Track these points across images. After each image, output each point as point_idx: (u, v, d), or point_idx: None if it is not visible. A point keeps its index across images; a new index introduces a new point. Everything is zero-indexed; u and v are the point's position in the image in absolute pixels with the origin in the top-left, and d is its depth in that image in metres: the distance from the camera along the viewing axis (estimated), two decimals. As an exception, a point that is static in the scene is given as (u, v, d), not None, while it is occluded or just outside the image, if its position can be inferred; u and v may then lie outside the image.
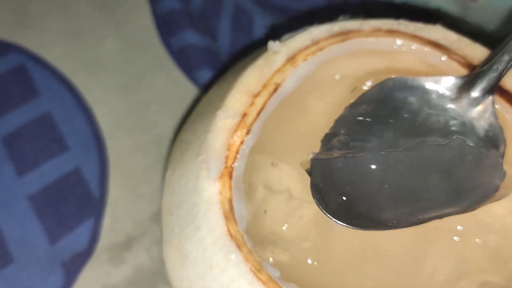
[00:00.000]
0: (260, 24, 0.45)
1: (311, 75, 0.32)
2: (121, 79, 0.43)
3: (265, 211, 0.29)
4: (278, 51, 0.29)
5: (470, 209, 0.26)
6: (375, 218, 0.26)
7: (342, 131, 0.27)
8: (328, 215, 0.25)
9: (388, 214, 0.26)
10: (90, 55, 0.44)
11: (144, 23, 0.45)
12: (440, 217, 0.26)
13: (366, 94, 0.28)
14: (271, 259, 0.27)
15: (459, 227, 0.28)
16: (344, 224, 0.25)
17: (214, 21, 0.46)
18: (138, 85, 0.43)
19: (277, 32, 0.44)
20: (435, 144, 0.26)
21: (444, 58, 0.29)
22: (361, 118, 0.27)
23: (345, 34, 0.30)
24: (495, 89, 0.28)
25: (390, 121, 0.27)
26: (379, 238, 0.28)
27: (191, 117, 0.31)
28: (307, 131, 0.32)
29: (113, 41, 0.45)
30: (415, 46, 0.29)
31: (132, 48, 0.44)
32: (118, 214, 0.38)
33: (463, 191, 0.26)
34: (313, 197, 0.26)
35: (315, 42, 0.29)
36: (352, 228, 0.25)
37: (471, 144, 0.26)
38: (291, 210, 0.29)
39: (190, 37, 0.45)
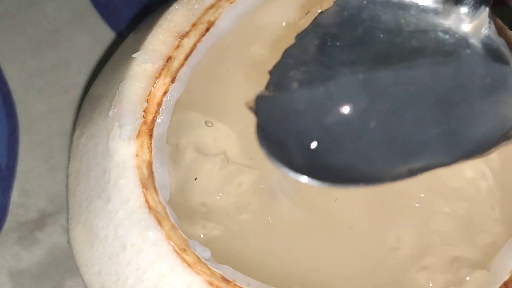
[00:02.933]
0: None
1: (253, 21, 0.27)
2: (35, 34, 0.38)
3: (196, 179, 0.24)
4: (212, -17, 0.24)
5: (475, 155, 0.20)
6: (351, 170, 0.19)
7: (297, 63, 0.21)
8: (285, 168, 0.19)
9: (369, 164, 0.19)
10: (-1, 6, 0.38)
11: (64, -30, 0.40)
12: (432, 167, 0.20)
13: (323, 16, 0.22)
14: (201, 236, 0.23)
15: (423, 195, 0.24)
16: (311, 181, 0.19)
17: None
18: (55, 41, 0.38)
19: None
20: (433, 62, 0.20)
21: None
22: (321, 45, 0.21)
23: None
24: None
25: (361, 45, 0.21)
26: (330, 208, 0.25)
27: (105, 69, 0.26)
28: (250, 85, 0.28)
29: (27, -9, 0.39)
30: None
31: (51, -1, 0.39)
32: (29, 187, 0.34)
33: (468, 130, 0.20)
34: (260, 144, 0.19)
35: (256, -26, 0.25)
36: (322, 186, 0.19)
37: (482, 61, 0.20)
38: (227, 176, 0.24)
39: (118, -14, 0.40)
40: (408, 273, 0.23)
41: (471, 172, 0.25)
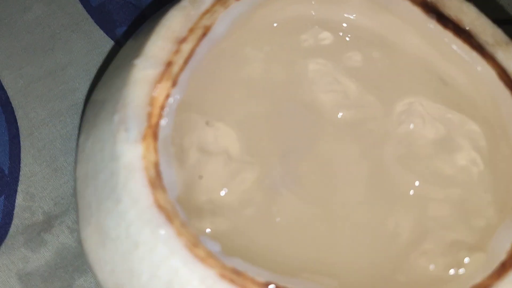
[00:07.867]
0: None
1: (246, 24, 0.28)
2: (31, 40, 0.38)
3: (201, 177, 0.25)
4: (206, -11, 0.25)
5: None
6: None
7: None
8: None
9: None
10: (-7, 13, 0.38)
11: (57, -23, 0.40)
12: None
13: None
14: (209, 231, 0.23)
15: (417, 183, 0.25)
16: None
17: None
18: (51, 47, 0.39)
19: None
20: None
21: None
22: None
23: (284, -30, 0.26)
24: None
25: None
26: (331, 199, 0.25)
27: (105, 74, 0.26)
28: (245, 85, 0.29)
29: (21, -1, 0.39)
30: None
31: (44, 5, 0.39)
32: (34, 191, 0.35)
33: None
34: None
35: (249, -22, 0.25)
36: None
37: None
38: (231, 173, 0.25)
39: (111, -9, 0.40)
40: (409, 258, 0.24)
41: (462, 160, 0.26)
